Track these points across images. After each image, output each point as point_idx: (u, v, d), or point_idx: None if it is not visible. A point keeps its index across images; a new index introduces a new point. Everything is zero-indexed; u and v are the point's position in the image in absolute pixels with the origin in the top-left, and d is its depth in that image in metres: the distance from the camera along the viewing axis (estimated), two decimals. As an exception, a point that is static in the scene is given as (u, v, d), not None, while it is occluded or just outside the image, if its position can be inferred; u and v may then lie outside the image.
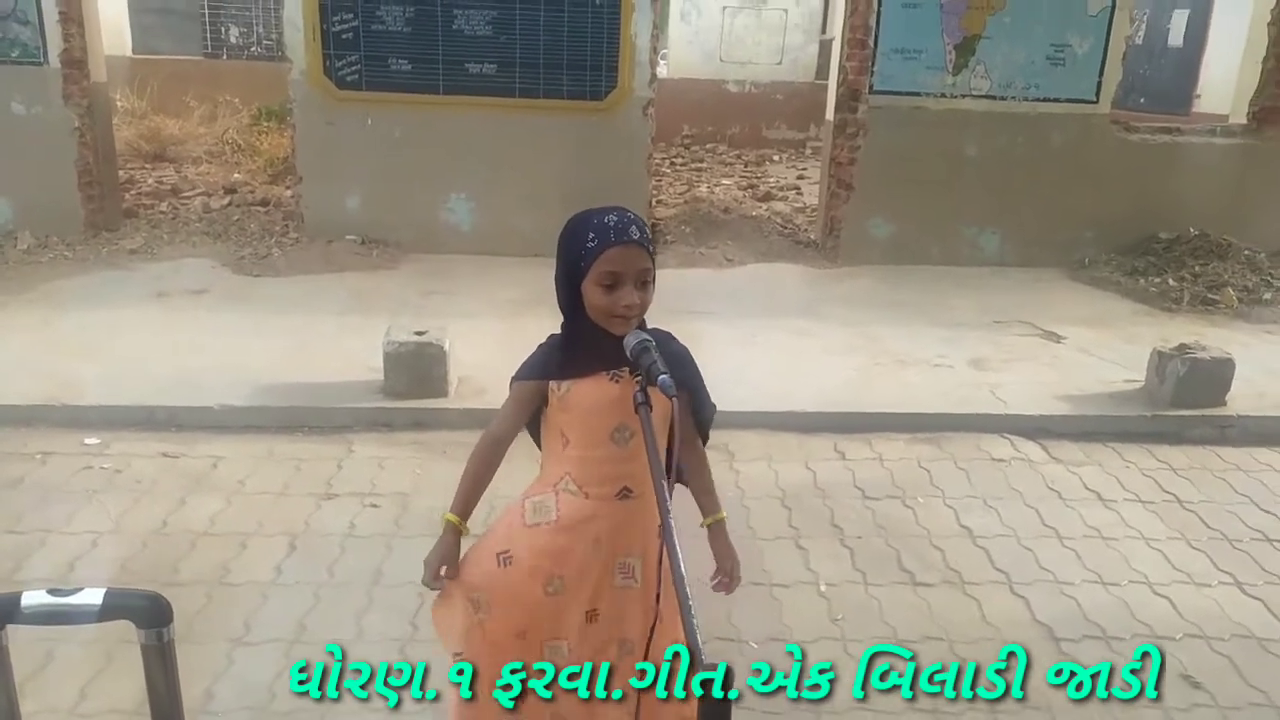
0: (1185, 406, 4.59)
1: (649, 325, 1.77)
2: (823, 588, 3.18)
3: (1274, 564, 3.45)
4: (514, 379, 1.87)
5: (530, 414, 1.87)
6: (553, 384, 1.80)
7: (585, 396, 1.77)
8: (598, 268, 1.67)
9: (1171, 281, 6.86)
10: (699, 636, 1.18)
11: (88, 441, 3.97)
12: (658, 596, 1.74)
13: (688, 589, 1.27)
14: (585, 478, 1.82)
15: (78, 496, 3.53)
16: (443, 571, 1.86)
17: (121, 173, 8.40)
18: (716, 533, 1.95)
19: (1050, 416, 4.56)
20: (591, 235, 1.67)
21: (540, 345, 1.86)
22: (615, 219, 1.68)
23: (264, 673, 2.62)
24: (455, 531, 1.89)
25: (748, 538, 3.47)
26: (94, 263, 6.50)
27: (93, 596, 1.04)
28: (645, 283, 1.70)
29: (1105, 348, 5.55)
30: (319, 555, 3.23)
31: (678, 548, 1.31)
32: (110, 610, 1.05)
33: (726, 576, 1.94)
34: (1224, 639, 2.98)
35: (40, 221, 6.81)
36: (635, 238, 1.67)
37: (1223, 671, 2.82)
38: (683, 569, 1.28)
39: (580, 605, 1.83)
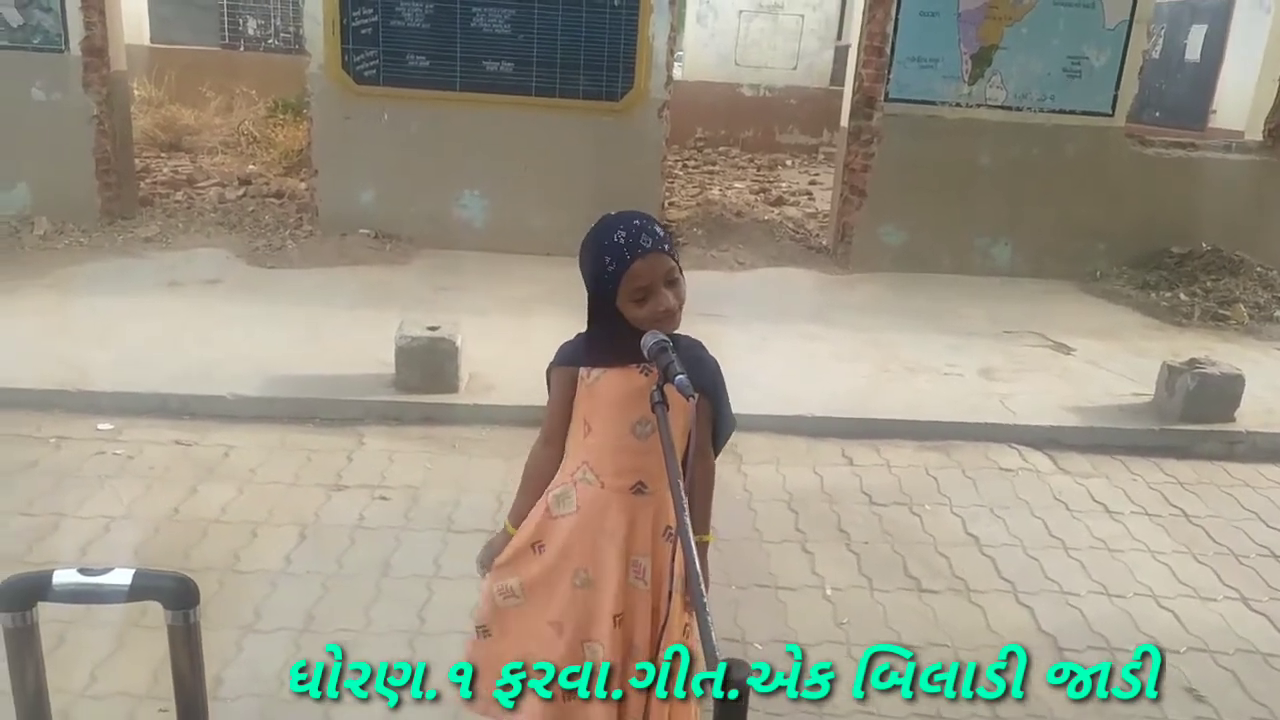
0: (1194, 421, 4.59)
1: (681, 332, 1.77)
2: (828, 592, 3.19)
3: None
4: (549, 367, 1.88)
5: (572, 399, 1.86)
6: (583, 371, 1.81)
7: (613, 386, 1.79)
8: (625, 286, 1.68)
9: (1183, 296, 6.85)
10: (715, 638, 1.19)
11: (101, 427, 4.01)
12: (669, 595, 1.75)
13: (699, 574, 1.27)
14: (602, 467, 1.83)
15: (91, 481, 3.56)
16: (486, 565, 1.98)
17: (137, 161, 8.45)
18: (699, 552, 1.93)
19: (1059, 428, 4.56)
20: (608, 259, 1.68)
21: (578, 334, 1.87)
22: (624, 234, 1.68)
23: (273, 661, 2.64)
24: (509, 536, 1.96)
25: (754, 540, 3.49)
26: (109, 250, 6.55)
27: (122, 577, 1.07)
28: (673, 281, 1.71)
29: (1115, 360, 5.55)
30: (328, 546, 3.25)
31: (694, 549, 1.31)
32: (139, 591, 1.07)
33: (689, 589, 1.95)
34: (1228, 653, 2.98)
35: (57, 208, 6.86)
36: (649, 246, 1.68)
37: (1226, 685, 2.83)
38: (698, 568, 1.28)
39: (608, 607, 1.82)
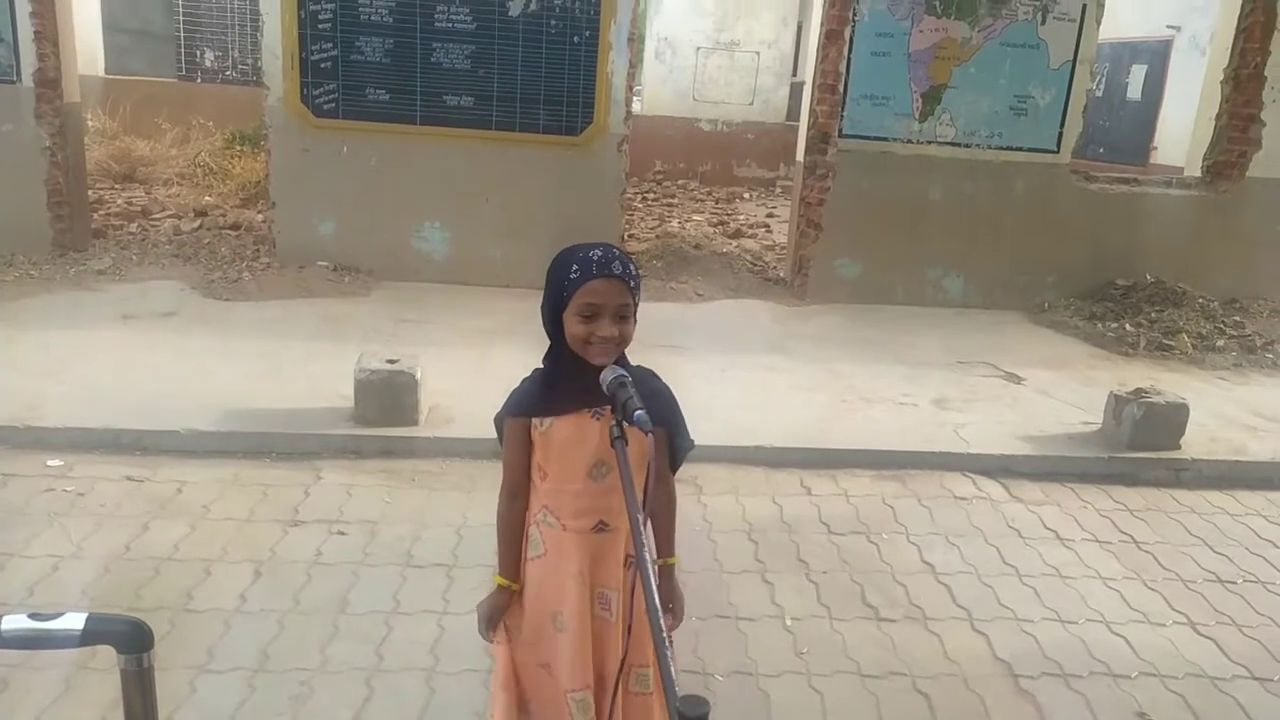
0: (1141, 449, 4.70)
1: (632, 363, 1.79)
2: (788, 622, 3.21)
3: (1226, 605, 3.54)
4: (501, 417, 1.88)
5: (529, 449, 1.85)
6: (535, 420, 1.82)
7: (566, 433, 1.80)
8: (578, 299, 1.71)
9: (1128, 327, 7.04)
10: (674, 671, 1.20)
11: (50, 463, 3.92)
12: (629, 629, 1.76)
13: (659, 608, 1.31)
14: (562, 510, 1.84)
15: (39, 519, 3.48)
16: (491, 627, 1.93)
17: (91, 193, 8.33)
18: (666, 574, 1.97)
19: (1011, 456, 4.65)
20: (575, 267, 1.71)
21: (524, 380, 1.88)
22: (600, 253, 1.71)
23: (227, 701, 2.60)
24: (505, 591, 1.92)
25: (714, 571, 3.51)
26: (60, 282, 6.44)
27: (74, 621, 1.05)
28: (624, 317, 1.73)
29: (1064, 390, 5.68)
30: (284, 583, 3.21)
31: (653, 584, 1.33)
32: (91, 635, 1.05)
33: (669, 615, 1.99)
34: (1178, 678, 3.05)
35: (7, 240, 6.73)
36: (617, 272, 1.70)
37: (1177, 710, 2.89)
38: (657, 603, 1.31)
39: (586, 645, 1.83)
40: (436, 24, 6.73)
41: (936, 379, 5.74)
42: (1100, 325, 7.15)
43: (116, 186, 10.23)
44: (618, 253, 1.74)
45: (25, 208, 6.74)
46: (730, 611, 3.24)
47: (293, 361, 5.14)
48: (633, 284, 1.74)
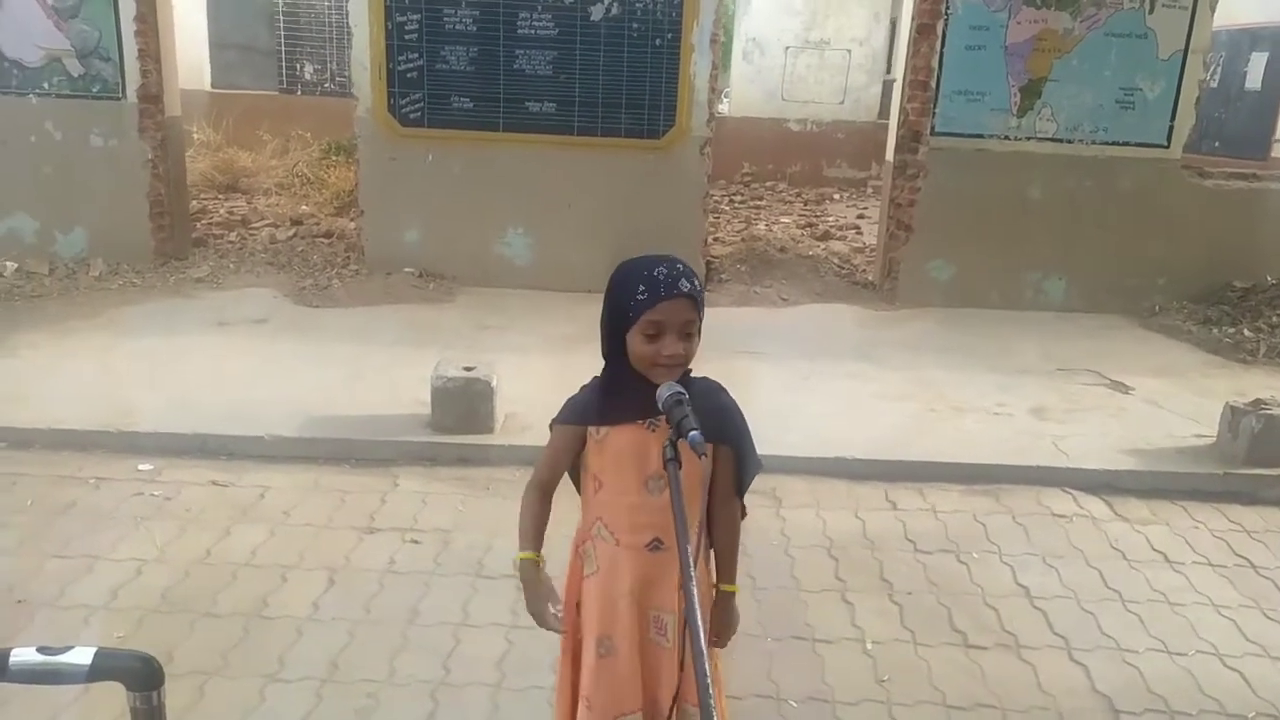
0: (1260, 465, 4.36)
1: (699, 375, 1.75)
2: (869, 645, 3.06)
3: (1358, 639, 3.23)
4: (553, 422, 1.87)
5: (572, 458, 1.85)
6: (592, 429, 1.79)
7: (621, 443, 1.76)
8: (644, 319, 1.67)
9: (1247, 332, 6.59)
10: (713, 705, 1.13)
11: (141, 468, 4.04)
12: (681, 661, 1.68)
13: (704, 651, 1.26)
14: (617, 524, 1.80)
15: (126, 523, 3.58)
16: (553, 609, 1.84)
17: (195, 203, 8.66)
18: (724, 602, 1.91)
19: (1116, 471, 4.37)
20: (642, 288, 1.66)
21: (582, 387, 1.86)
22: (666, 271, 1.67)
23: (294, 712, 2.60)
24: (531, 564, 1.86)
25: (791, 589, 3.38)
26: (161, 290, 6.69)
27: (82, 656, 1.02)
28: (689, 334, 1.69)
29: (1175, 400, 5.32)
30: (357, 591, 3.21)
31: (697, 610, 1.29)
32: (99, 671, 1.02)
33: (716, 636, 1.92)
34: (1302, 720, 2.79)
35: (112, 249, 7.04)
36: (685, 290, 1.66)
37: (1300, 756, 2.64)
38: (701, 635, 1.27)
39: (633, 671, 1.78)
40: (519, 31, 6.76)
41: (1034, 387, 5.46)
42: (1216, 330, 6.70)
43: (220, 197, 10.62)
44: (682, 268, 1.69)
45: (129, 218, 7.04)
46: (807, 633, 3.10)
47: (375, 368, 5.21)
48: (699, 300, 1.70)
